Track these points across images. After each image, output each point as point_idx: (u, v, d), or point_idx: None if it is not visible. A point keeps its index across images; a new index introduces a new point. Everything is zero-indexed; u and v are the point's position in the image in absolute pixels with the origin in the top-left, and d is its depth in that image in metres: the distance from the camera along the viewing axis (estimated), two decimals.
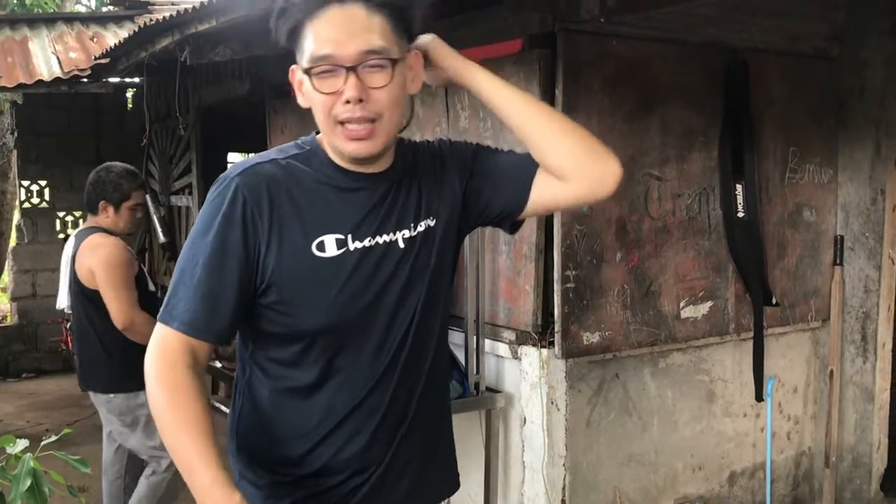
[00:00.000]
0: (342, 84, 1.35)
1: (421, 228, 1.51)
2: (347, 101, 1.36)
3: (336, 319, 1.44)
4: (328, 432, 1.49)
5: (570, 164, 1.50)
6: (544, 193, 1.54)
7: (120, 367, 3.30)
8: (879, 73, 3.73)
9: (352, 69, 1.35)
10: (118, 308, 3.21)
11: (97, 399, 3.42)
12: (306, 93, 1.43)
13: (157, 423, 1.36)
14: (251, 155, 9.24)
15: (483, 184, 1.57)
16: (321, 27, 1.36)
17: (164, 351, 1.38)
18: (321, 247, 1.42)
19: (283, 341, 1.47)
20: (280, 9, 1.39)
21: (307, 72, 1.38)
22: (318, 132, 1.50)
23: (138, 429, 3.35)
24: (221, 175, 1.46)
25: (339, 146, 1.42)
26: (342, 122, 1.38)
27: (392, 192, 1.50)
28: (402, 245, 1.49)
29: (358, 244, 1.44)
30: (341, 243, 1.43)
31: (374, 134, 1.39)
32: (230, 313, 1.40)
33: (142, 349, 3.37)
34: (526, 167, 1.55)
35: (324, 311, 1.43)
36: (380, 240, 1.46)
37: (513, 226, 1.64)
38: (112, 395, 3.35)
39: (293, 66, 1.46)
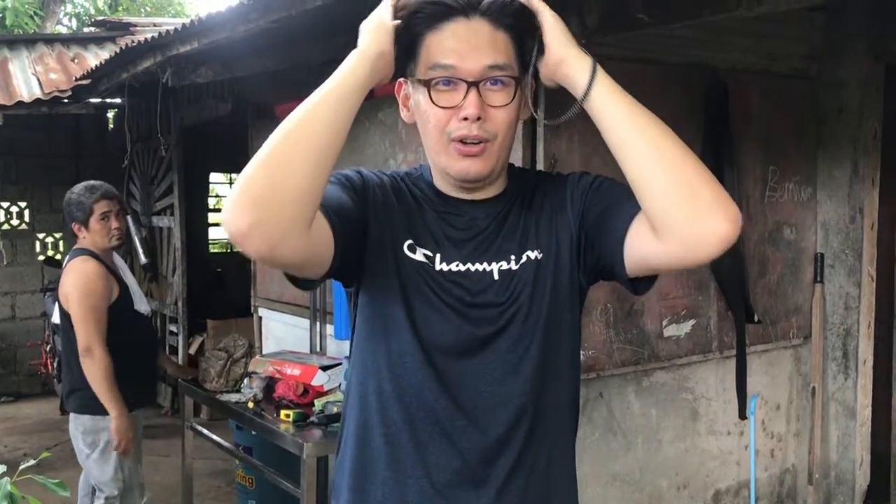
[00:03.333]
0: (461, 99, 1.29)
1: (523, 260, 1.38)
2: (465, 118, 1.29)
3: (412, 331, 1.34)
4: (387, 462, 1.38)
5: (662, 210, 1.20)
6: (635, 246, 1.27)
7: (91, 390, 3.31)
8: (856, 93, 3.78)
9: (473, 84, 1.29)
10: (81, 333, 3.28)
11: (70, 418, 3.47)
12: (415, 107, 1.36)
13: (281, 137, 1.18)
14: (233, 176, 9.17)
15: (593, 224, 1.36)
16: (444, 39, 1.30)
17: None
18: (412, 249, 1.37)
19: (370, 330, 1.39)
20: (404, 23, 1.31)
21: (426, 83, 1.31)
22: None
23: (96, 451, 3.39)
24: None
25: (448, 165, 1.34)
26: (454, 140, 1.32)
27: (495, 222, 1.40)
28: (496, 277, 1.38)
29: (445, 266, 1.37)
30: (430, 259, 1.37)
31: (486, 153, 1.32)
32: (342, 218, 1.28)
33: (118, 376, 3.35)
34: (627, 206, 1.28)
35: (403, 313, 1.35)
36: (472, 267, 1.37)
37: (632, 284, 1.35)
38: (80, 415, 3.40)
39: (399, 80, 1.40)
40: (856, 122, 3.79)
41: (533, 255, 1.39)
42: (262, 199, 1.12)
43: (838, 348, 3.94)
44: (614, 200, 1.35)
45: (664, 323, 3.46)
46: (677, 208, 1.18)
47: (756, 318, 3.70)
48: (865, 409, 3.89)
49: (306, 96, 4.43)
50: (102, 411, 3.31)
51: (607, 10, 2.87)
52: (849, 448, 3.92)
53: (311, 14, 2.89)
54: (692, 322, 3.56)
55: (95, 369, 3.26)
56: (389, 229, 1.37)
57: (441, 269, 1.37)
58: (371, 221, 1.36)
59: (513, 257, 1.39)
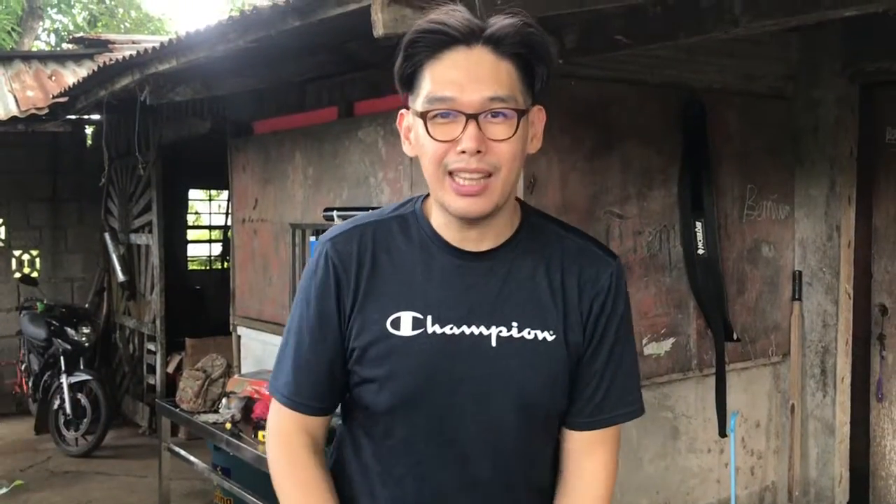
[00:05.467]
0: (459, 132, 1.21)
1: (528, 335, 1.29)
2: (463, 152, 1.21)
3: (403, 406, 1.30)
4: None
5: None
6: (564, 436, 1.39)
7: None
8: (832, 112, 3.82)
9: (472, 117, 1.20)
10: None
11: None
12: (415, 139, 1.29)
13: None
14: (213, 192, 9.04)
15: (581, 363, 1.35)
16: (443, 69, 1.22)
17: (280, 432, 1.40)
18: (396, 324, 1.28)
19: (365, 416, 1.36)
20: (404, 53, 1.25)
21: (422, 115, 1.23)
22: (426, 196, 1.35)
23: None
24: (320, 237, 1.39)
25: (447, 202, 1.26)
26: (452, 174, 1.23)
27: (498, 276, 1.30)
28: (493, 343, 1.28)
29: (437, 328, 1.27)
30: (419, 323, 1.28)
31: (487, 190, 1.23)
32: (336, 384, 1.35)
33: None
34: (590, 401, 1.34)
35: (392, 392, 1.29)
36: (467, 330, 1.27)
37: None
38: None
39: (402, 111, 1.33)
40: (832, 142, 3.83)
41: (542, 334, 1.30)
42: None
43: (816, 365, 3.96)
44: (597, 388, 1.35)
45: (644, 341, 3.47)
46: None
47: (735, 336, 3.72)
48: (844, 426, 3.91)
49: (285, 114, 4.44)
50: None
51: (585, 31, 2.89)
52: (828, 465, 3.93)
53: (290, 34, 2.88)
54: (672, 340, 3.56)
55: None
56: (365, 319, 1.31)
57: (433, 332, 1.27)
58: (349, 326, 1.32)
59: (514, 323, 1.29)
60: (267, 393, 3.47)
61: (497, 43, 1.22)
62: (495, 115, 1.22)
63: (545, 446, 1.39)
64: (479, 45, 1.22)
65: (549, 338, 1.30)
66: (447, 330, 1.28)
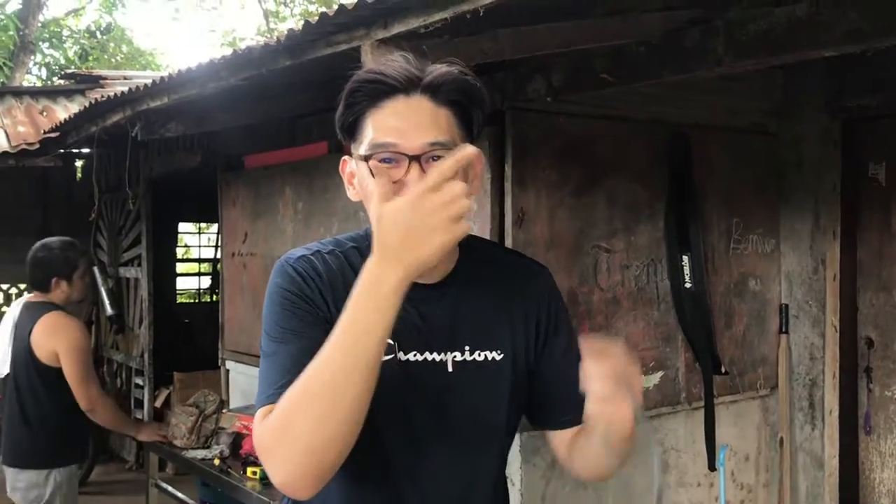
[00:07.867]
0: (403, 174, 1.24)
1: (479, 357, 1.37)
2: None
3: (377, 434, 1.30)
4: None
5: (593, 473, 1.52)
6: (554, 437, 1.50)
7: (41, 442, 3.39)
8: (815, 148, 3.88)
9: (415, 158, 1.24)
10: (86, 393, 3.38)
11: (8, 473, 3.46)
12: (359, 183, 1.33)
13: (310, 409, 1.15)
14: (203, 225, 9.00)
15: (542, 382, 1.45)
16: (384, 117, 1.27)
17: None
18: None
19: None
20: (345, 102, 1.30)
21: (366, 159, 1.27)
22: None
23: None
24: (277, 262, 1.38)
25: None
26: None
27: (448, 304, 1.37)
28: (450, 369, 1.35)
29: (402, 355, 1.32)
30: (390, 349, 1.29)
31: None
32: None
33: (71, 429, 3.49)
34: (573, 402, 1.35)
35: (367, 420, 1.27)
36: (429, 356, 1.34)
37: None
38: (22, 470, 3.40)
39: (344, 158, 1.38)
40: (815, 176, 3.88)
41: (491, 355, 1.38)
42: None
43: (804, 398, 3.97)
44: (568, 385, 1.36)
45: None
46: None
47: (723, 370, 3.74)
48: (833, 459, 3.91)
49: (275, 149, 4.46)
50: (44, 465, 3.35)
51: (572, 70, 2.94)
52: (818, 499, 3.93)
53: (281, 72, 2.92)
54: (660, 373, 3.58)
55: (107, 418, 3.52)
56: None
57: (401, 359, 1.32)
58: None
59: (466, 347, 1.36)
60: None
61: (435, 91, 1.28)
62: (436, 158, 1.25)
63: (503, 465, 1.48)
64: (418, 93, 1.28)
65: (498, 357, 1.38)
66: (411, 357, 1.33)
